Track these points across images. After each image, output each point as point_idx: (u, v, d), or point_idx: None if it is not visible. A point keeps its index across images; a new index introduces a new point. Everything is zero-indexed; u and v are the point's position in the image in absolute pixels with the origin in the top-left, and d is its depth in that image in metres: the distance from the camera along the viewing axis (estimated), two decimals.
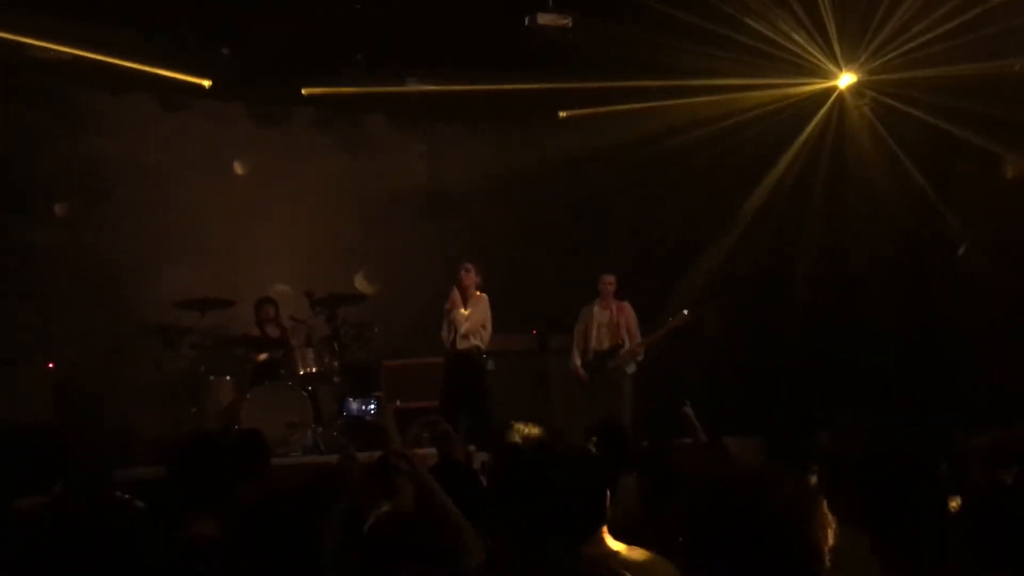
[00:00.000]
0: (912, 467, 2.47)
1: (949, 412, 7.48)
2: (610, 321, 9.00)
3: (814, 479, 3.06)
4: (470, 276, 8.51)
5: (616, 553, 2.74)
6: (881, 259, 9.42)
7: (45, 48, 8.12)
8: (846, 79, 9.35)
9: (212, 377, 8.63)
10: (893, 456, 2.53)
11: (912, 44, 8.43)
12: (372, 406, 8.46)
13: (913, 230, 9.28)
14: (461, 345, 8.55)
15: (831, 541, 1.80)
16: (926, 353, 8.92)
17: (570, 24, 7.92)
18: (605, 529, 2.79)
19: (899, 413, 7.89)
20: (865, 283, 9.49)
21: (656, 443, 5.09)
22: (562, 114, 10.63)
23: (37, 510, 2.62)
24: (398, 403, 9.23)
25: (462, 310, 8.55)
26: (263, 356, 8.86)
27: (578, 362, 9.05)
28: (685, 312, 8.85)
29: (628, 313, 9.03)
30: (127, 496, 2.42)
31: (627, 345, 8.91)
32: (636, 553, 2.74)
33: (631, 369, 8.94)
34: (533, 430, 3.43)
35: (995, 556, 2.19)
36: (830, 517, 1.82)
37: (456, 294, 8.51)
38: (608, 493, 2.80)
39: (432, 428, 4.18)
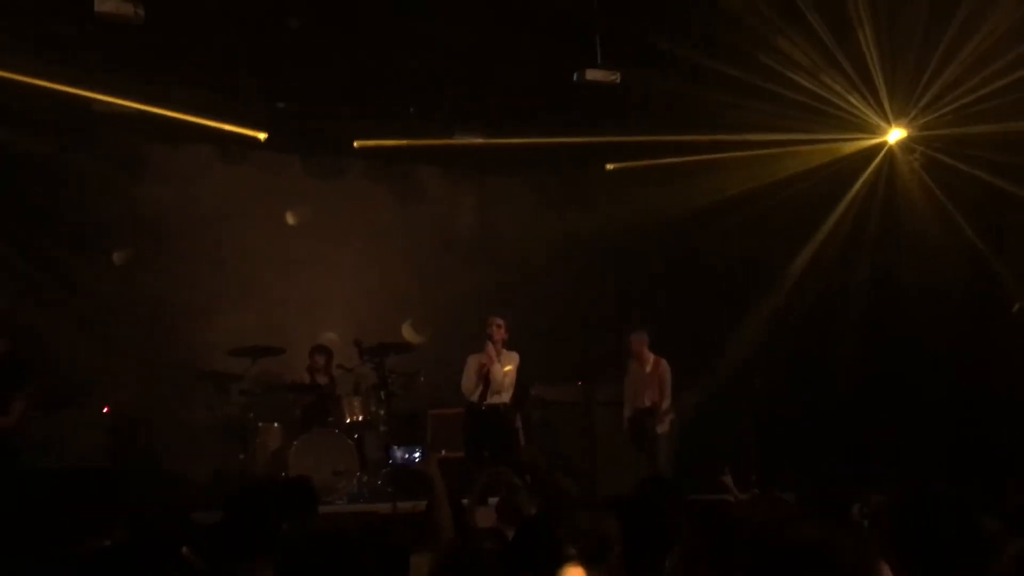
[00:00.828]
0: (956, 522, 2.43)
1: (1003, 472, 7.30)
2: (645, 377, 8.98)
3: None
4: (501, 331, 8.47)
5: None
6: (933, 316, 9.26)
7: (110, 103, 8.41)
8: (896, 134, 9.31)
9: (261, 423, 8.72)
10: (936, 512, 2.50)
11: (964, 100, 8.38)
12: (417, 455, 8.47)
13: (966, 287, 9.14)
14: (493, 399, 8.50)
15: None
16: (980, 414, 8.72)
17: (618, 80, 7.99)
18: None
19: (947, 470, 7.72)
20: (917, 340, 9.33)
21: (706, 498, 5.04)
22: (609, 167, 10.71)
23: (100, 553, 2.68)
24: (443, 452, 9.24)
25: (501, 366, 8.48)
26: (311, 403, 8.95)
27: (627, 415, 9.07)
28: (687, 395, 8.91)
29: (663, 371, 8.99)
30: (184, 548, 2.47)
31: (660, 405, 8.89)
32: None
33: (660, 429, 8.89)
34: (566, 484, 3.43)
35: None
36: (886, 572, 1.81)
37: (491, 349, 8.43)
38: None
39: (499, 480, 4.21)
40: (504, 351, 8.48)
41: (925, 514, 2.49)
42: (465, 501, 4.82)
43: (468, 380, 8.53)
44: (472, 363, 8.52)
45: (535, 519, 3.24)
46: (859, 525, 3.82)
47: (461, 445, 8.84)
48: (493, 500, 4.75)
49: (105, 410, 8.46)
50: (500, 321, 8.47)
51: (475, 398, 8.46)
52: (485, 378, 8.41)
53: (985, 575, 2.46)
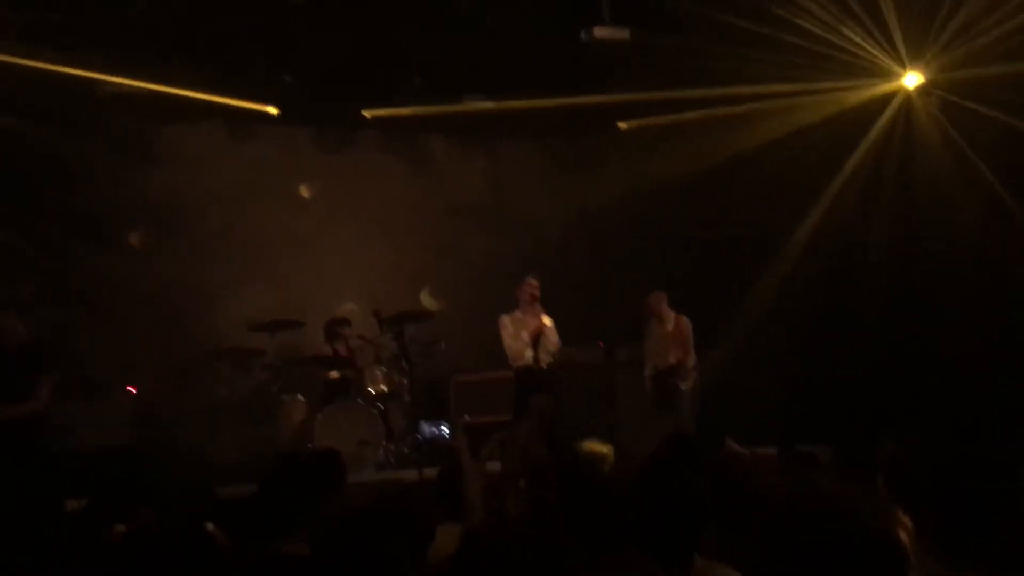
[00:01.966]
0: (987, 476, 2.40)
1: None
2: (668, 335, 8.96)
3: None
4: (538, 291, 8.43)
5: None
6: (953, 262, 9.15)
7: (117, 83, 8.39)
8: (912, 79, 9.16)
9: (285, 397, 8.77)
10: (966, 466, 2.46)
11: (981, 40, 8.22)
12: (445, 429, 8.51)
13: (986, 232, 9.01)
14: (545, 360, 8.49)
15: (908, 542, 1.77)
16: (1002, 359, 8.63)
17: (627, 37, 7.88)
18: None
19: (974, 422, 7.65)
20: (937, 287, 9.24)
21: (728, 455, 5.01)
22: (622, 125, 10.60)
23: (126, 535, 2.70)
24: (467, 418, 9.28)
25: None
26: (334, 375, 8.98)
27: (648, 375, 9.06)
28: (715, 354, 8.83)
29: (685, 328, 8.98)
30: (210, 527, 2.47)
31: (686, 362, 8.87)
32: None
33: (685, 386, 8.88)
34: (604, 448, 3.41)
35: None
36: (906, 520, 1.78)
37: (540, 309, 8.37)
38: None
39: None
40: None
41: (953, 466, 2.46)
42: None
43: (516, 341, 8.44)
44: (508, 324, 8.46)
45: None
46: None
47: (506, 410, 8.89)
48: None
49: (130, 390, 8.53)
50: (535, 281, 8.44)
51: (526, 360, 8.43)
52: (535, 339, 8.39)
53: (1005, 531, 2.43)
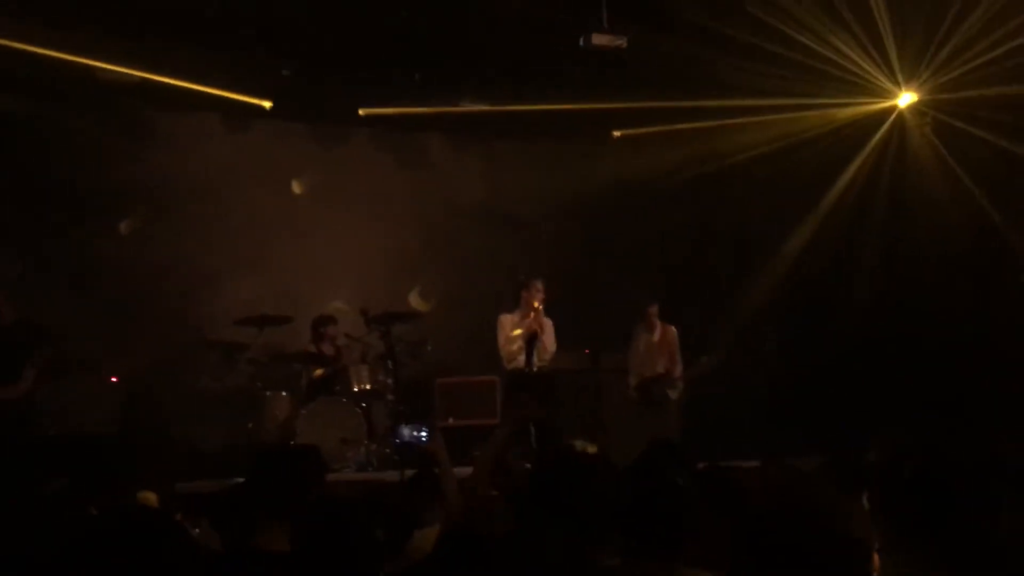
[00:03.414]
0: (965, 481, 2.42)
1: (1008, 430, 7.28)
2: (655, 345, 8.98)
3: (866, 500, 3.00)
4: (542, 295, 8.31)
5: None
6: (942, 280, 9.23)
7: (114, 70, 8.37)
8: (906, 98, 9.23)
9: (269, 392, 8.74)
10: (944, 470, 2.48)
11: (975, 63, 8.30)
12: (424, 432, 8.48)
13: (975, 252, 9.09)
14: (538, 365, 8.37)
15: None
16: (987, 375, 8.70)
17: (625, 45, 7.90)
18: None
19: (954, 431, 7.71)
20: (926, 305, 9.31)
21: (713, 464, 5.03)
22: (616, 133, 10.63)
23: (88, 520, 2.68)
24: (451, 420, 9.27)
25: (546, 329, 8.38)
26: (319, 372, 8.96)
27: (632, 383, 9.07)
28: (706, 359, 8.83)
29: (672, 338, 9.00)
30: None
31: (673, 372, 8.90)
32: None
33: (674, 394, 8.91)
34: (591, 448, 3.41)
35: None
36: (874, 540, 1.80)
37: (540, 313, 8.25)
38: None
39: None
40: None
41: (934, 470, 2.47)
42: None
43: (509, 343, 8.29)
44: (507, 325, 8.33)
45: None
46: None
47: (490, 413, 8.84)
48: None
49: (113, 379, 8.49)
50: (541, 285, 8.30)
51: (518, 364, 8.35)
52: (530, 343, 8.24)
53: (990, 536, 2.45)
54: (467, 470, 4.64)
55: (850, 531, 1.80)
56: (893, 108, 9.38)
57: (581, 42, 7.94)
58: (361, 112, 9.91)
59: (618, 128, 10.56)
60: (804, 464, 4.41)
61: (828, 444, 5.85)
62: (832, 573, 1.76)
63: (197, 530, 3.83)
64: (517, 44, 8.66)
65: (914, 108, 9.29)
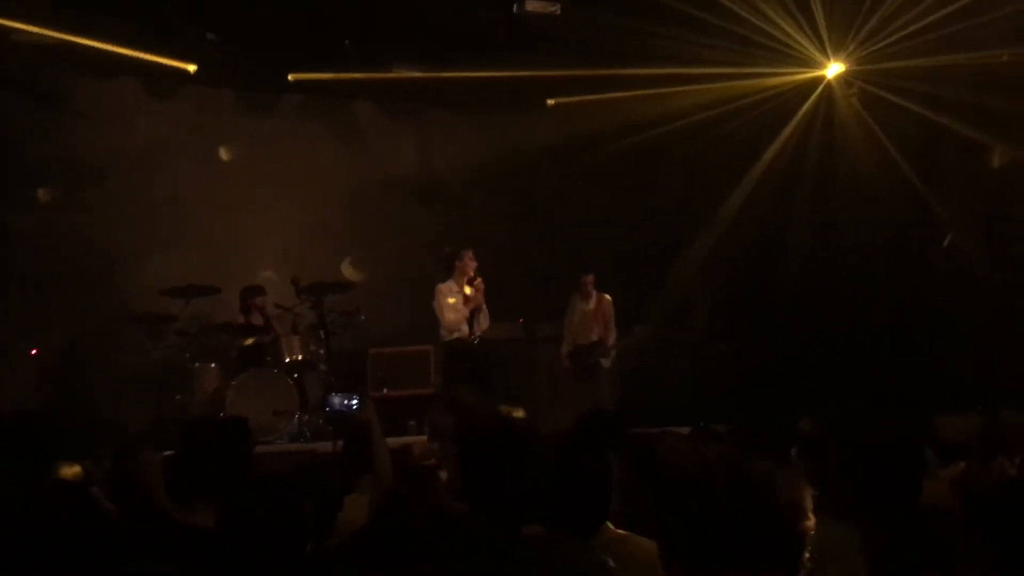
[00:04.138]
0: (896, 453, 2.47)
1: (933, 398, 7.48)
2: (590, 313, 9.03)
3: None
4: (475, 264, 8.25)
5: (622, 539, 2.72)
6: (869, 248, 9.44)
7: (29, 32, 8.04)
8: (834, 68, 9.35)
9: (197, 364, 8.58)
10: (877, 442, 2.52)
11: (901, 33, 8.44)
12: (355, 402, 8.42)
13: (901, 219, 9.30)
14: (480, 333, 8.31)
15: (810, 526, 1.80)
16: (912, 341, 8.94)
17: (558, 11, 7.88)
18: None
19: (883, 401, 7.89)
20: (853, 272, 9.51)
21: (642, 431, 5.08)
22: (550, 102, 10.59)
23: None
24: (384, 391, 9.21)
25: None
26: (249, 343, 8.81)
27: (564, 351, 9.11)
28: (641, 328, 8.91)
29: (607, 307, 9.06)
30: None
31: (606, 340, 8.96)
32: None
33: (607, 363, 8.98)
34: (517, 413, 3.40)
35: (1003, 557, 2.11)
36: (808, 502, 1.81)
37: (480, 283, 8.18)
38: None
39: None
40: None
41: (867, 440, 2.52)
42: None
43: (453, 312, 8.16)
44: (447, 294, 8.24)
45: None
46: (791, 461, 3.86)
47: (423, 383, 8.77)
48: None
49: (33, 352, 8.25)
50: (472, 254, 8.21)
51: (462, 332, 8.27)
52: (472, 312, 8.17)
53: (918, 501, 2.50)
54: (400, 440, 4.63)
55: (780, 495, 1.81)
56: (821, 78, 9.50)
57: (515, 8, 7.90)
58: (290, 77, 9.68)
59: (552, 97, 10.51)
60: (734, 433, 4.47)
61: (759, 413, 5.95)
62: (764, 536, 1.77)
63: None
64: (450, 10, 8.55)
65: (841, 78, 9.42)
